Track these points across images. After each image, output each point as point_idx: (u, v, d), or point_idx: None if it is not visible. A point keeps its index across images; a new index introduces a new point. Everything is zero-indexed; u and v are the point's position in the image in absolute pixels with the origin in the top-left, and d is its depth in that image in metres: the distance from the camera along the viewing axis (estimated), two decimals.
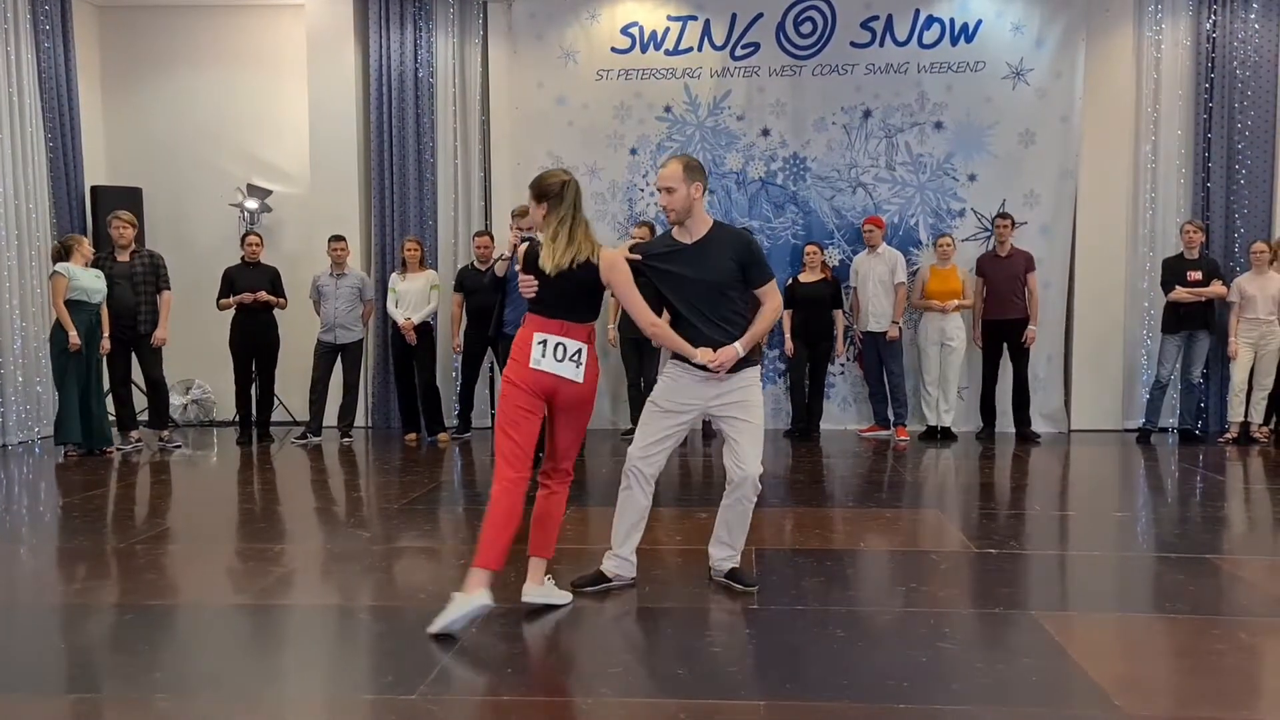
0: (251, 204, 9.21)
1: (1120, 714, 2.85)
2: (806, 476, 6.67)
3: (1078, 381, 8.72)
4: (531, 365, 3.59)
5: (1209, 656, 3.30)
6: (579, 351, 3.63)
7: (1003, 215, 8.25)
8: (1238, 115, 8.45)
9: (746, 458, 3.88)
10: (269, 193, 9.30)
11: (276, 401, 8.68)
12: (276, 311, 8.35)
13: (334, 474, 7.03)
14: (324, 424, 8.30)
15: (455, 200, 9.06)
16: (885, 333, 8.29)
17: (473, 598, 3.44)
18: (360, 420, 8.77)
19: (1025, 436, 8.26)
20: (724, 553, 4.06)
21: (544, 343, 3.60)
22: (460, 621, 3.42)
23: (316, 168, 9.10)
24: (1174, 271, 8.02)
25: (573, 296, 3.67)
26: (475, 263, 8.39)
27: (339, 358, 8.34)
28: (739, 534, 4.03)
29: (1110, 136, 8.60)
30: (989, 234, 8.67)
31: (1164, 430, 8.38)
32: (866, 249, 8.39)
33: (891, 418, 8.42)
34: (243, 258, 8.31)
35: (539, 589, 3.78)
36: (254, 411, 8.45)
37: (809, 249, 8.36)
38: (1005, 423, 8.49)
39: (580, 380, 3.65)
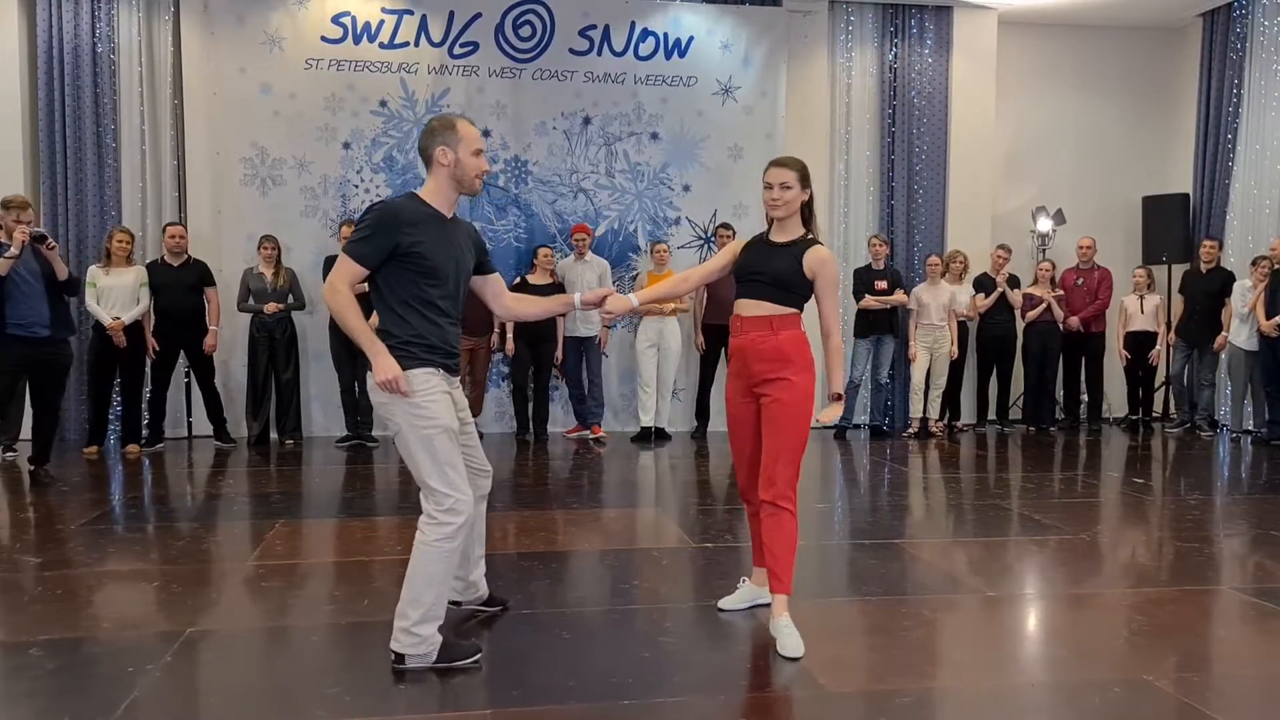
0: None
1: (824, 691, 3.03)
2: (531, 479, 6.65)
3: None
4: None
5: (898, 633, 3.58)
6: None
7: (725, 226, 8.62)
8: (915, 140, 9.36)
9: (486, 462, 3.62)
10: None
11: None
12: None
13: None
14: None
15: (143, 190, 8.28)
16: (591, 337, 8.46)
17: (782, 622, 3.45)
18: (26, 433, 7.76)
19: None
20: (428, 625, 3.18)
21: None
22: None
23: None
24: (863, 281, 8.75)
25: None
26: (166, 257, 7.72)
27: None
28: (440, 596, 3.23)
29: (809, 154, 8.94)
30: (704, 242, 9.06)
31: (857, 427, 9.11)
32: (574, 255, 8.51)
33: (588, 418, 8.61)
34: None
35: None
36: None
37: (543, 251, 8.35)
38: (717, 423, 8.88)
39: None
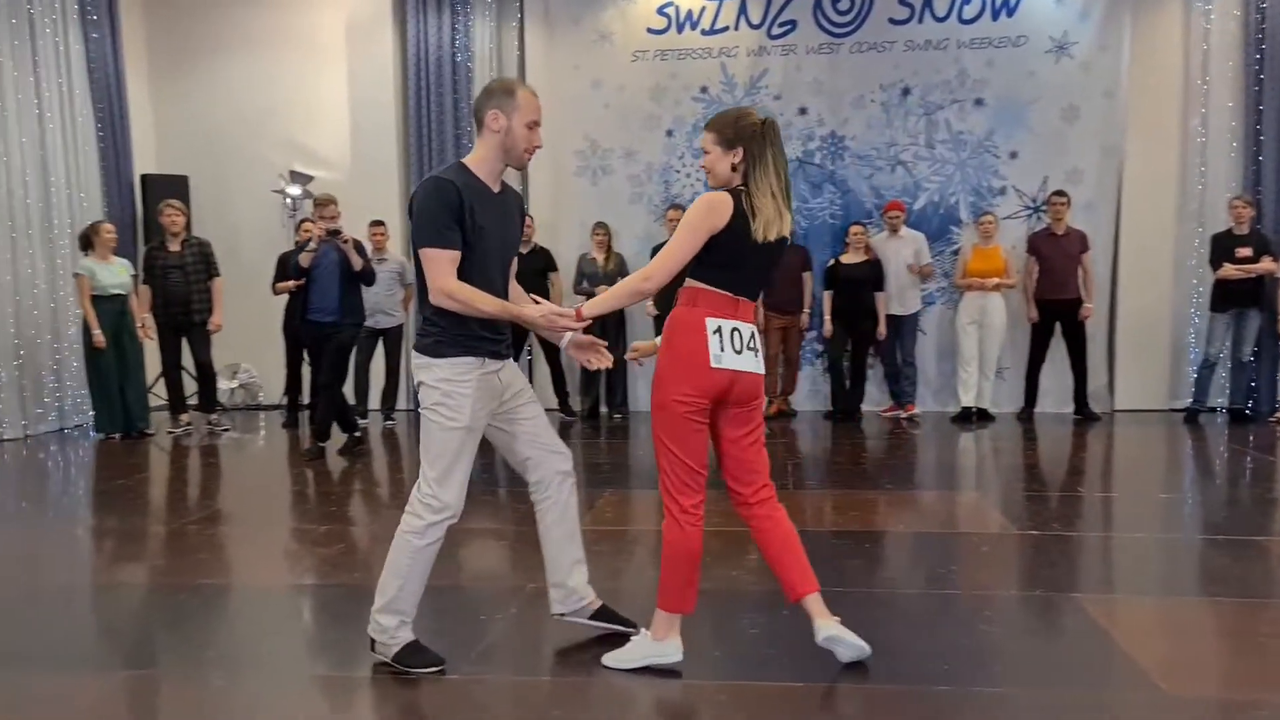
0: (294, 190, 9.31)
1: (1164, 695, 2.84)
2: (846, 459, 6.66)
3: (1122, 361, 8.60)
4: (712, 365, 2.90)
5: (1256, 639, 3.26)
6: (754, 336, 3.02)
7: (1059, 193, 8.10)
8: None
9: (559, 444, 3.29)
10: (310, 179, 9.39)
11: None
12: None
13: (378, 456, 7.13)
14: (368, 407, 8.41)
15: None
16: (905, 316, 8.26)
17: (667, 645, 3.06)
18: (401, 404, 8.88)
19: (1087, 416, 8.17)
20: (392, 617, 3.08)
21: (719, 331, 2.92)
22: (639, 663, 3.08)
23: (357, 154, 9.18)
24: (1223, 248, 7.86)
25: (765, 271, 3.04)
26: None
27: (380, 342, 8.43)
28: (412, 588, 3.08)
29: (1157, 110, 8.43)
30: (1030, 212, 8.56)
31: (1212, 410, 8.24)
32: (888, 232, 8.32)
33: (902, 397, 8.43)
34: (297, 242, 8.41)
35: (833, 624, 3.08)
36: (304, 395, 8.56)
37: (854, 229, 8.29)
38: (1046, 403, 8.40)
39: (763, 370, 3.08)
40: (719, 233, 2.87)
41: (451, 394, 2.99)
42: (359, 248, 6.86)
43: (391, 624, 3.05)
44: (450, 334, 3.00)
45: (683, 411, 2.93)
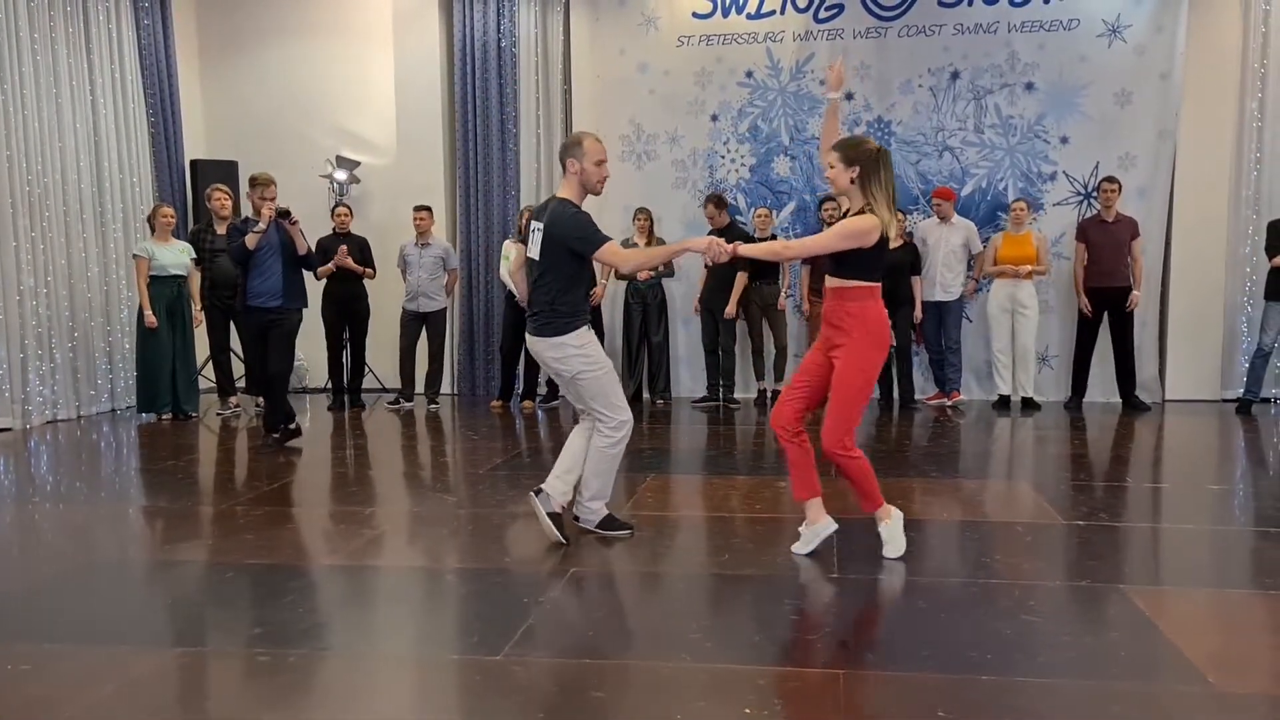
0: (340, 175, 9.41)
1: (1213, 690, 2.79)
2: (889, 446, 6.61)
3: (1173, 350, 8.44)
4: (892, 343, 4.01)
5: None
6: None
7: (1110, 179, 7.94)
8: None
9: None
10: (357, 164, 9.49)
11: (367, 369, 8.89)
12: (366, 281, 8.52)
13: (422, 440, 7.19)
14: (415, 391, 8.49)
15: (537, 170, 9.12)
16: (949, 302, 8.19)
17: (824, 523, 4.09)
18: (446, 388, 8.95)
19: (1135, 405, 8.04)
20: (598, 501, 4.37)
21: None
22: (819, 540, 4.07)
23: (403, 139, 9.25)
24: (1279, 235, 7.68)
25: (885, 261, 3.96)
26: None
27: (423, 326, 8.50)
28: (610, 481, 4.36)
29: (1214, 94, 8.24)
30: (1081, 198, 8.41)
31: (1266, 400, 8.07)
32: (936, 219, 8.22)
33: (946, 384, 8.36)
34: (333, 228, 8.50)
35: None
36: (345, 378, 8.67)
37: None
38: (1095, 393, 8.28)
39: None
40: (870, 247, 3.76)
41: (587, 352, 4.17)
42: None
43: (597, 506, 4.32)
44: (571, 314, 4.14)
45: (876, 375, 3.91)
